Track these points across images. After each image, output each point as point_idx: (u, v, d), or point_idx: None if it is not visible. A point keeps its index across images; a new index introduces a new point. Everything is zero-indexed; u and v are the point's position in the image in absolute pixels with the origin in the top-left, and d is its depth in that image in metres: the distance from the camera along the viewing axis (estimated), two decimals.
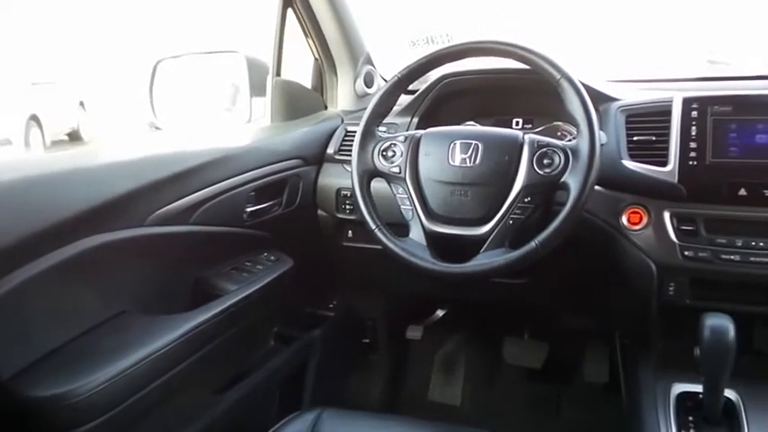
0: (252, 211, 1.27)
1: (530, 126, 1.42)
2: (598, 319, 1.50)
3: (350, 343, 1.75)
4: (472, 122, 1.44)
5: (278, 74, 1.43)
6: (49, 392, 0.83)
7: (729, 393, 1.01)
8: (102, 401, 0.87)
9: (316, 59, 1.54)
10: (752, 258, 1.03)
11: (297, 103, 1.49)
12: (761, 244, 1.03)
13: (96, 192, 0.94)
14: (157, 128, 1.54)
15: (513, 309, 1.65)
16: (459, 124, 1.41)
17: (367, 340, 1.78)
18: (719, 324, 0.91)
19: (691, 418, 1.01)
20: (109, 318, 0.99)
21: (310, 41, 1.48)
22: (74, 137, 8.30)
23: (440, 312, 1.72)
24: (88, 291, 0.96)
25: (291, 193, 1.37)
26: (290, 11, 1.41)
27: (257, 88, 1.46)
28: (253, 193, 1.26)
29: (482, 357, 1.84)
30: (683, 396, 1.05)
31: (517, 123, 1.43)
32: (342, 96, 1.57)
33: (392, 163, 1.12)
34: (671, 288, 1.11)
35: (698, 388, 1.01)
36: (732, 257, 1.04)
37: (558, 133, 1.36)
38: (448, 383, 1.81)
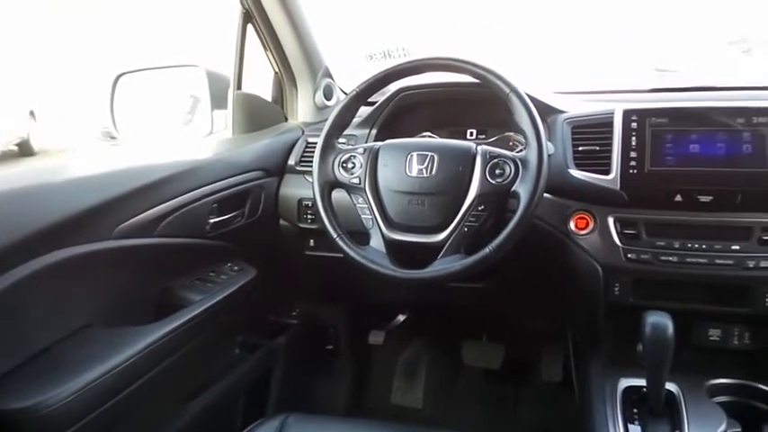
0: (215, 223, 1.29)
1: (483, 136, 1.48)
2: (552, 321, 1.56)
3: (313, 350, 1.78)
4: (429, 133, 1.49)
5: (239, 87, 1.46)
6: (19, 405, 0.84)
7: (670, 386, 1.08)
8: (70, 413, 0.88)
9: (276, 73, 1.57)
10: (688, 259, 1.11)
11: (258, 115, 1.52)
12: (695, 246, 1.10)
13: (62, 206, 0.96)
14: (113, 137, 1.54)
15: (471, 312, 1.71)
16: (416, 135, 1.47)
17: (330, 347, 1.81)
18: (659, 321, 0.98)
19: (636, 411, 1.08)
20: (76, 330, 1.00)
21: (270, 55, 1.51)
22: (24, 148, 8.04)
23: (401, 318, 1.76)
24: (55, 304, 0.97)
25: (254, 204, 1.39)
26: (250, 26, 1.44)
27: (218, 101, 1.48)
28: (215, 205, 1.28)
29: (442, 360, 1.89)
30: (628, 390, 1.12)
31: (471, 134, 1.49)
32: (302, 108, 1.60)
33: (352, 174, 1.16)
34: (616, 288, 1.18)
35: (642, 382, 1.07)
36: (670, 258, 1.12)
37: (510, 143, 1.43)
38: (410, 387, 1.86)
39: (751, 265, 1.07)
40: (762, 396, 1.10)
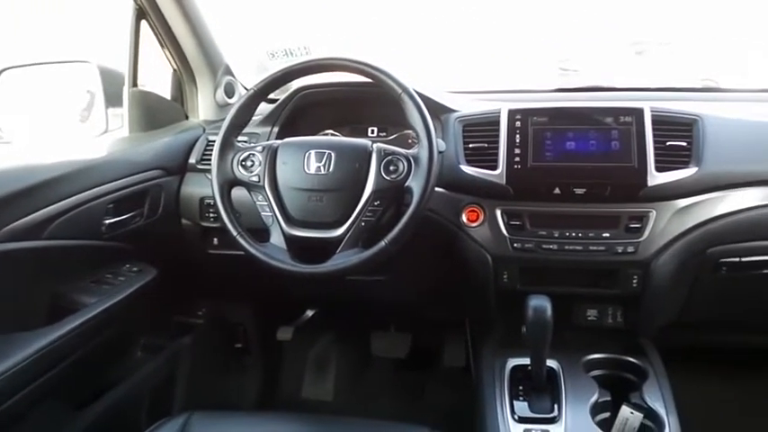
0: (111, 224, 1.27)
1: (384, 134, 1.53)
2: (452, 309, 1.64)
3: (222, 348, 1.77)
4: (331, 131, 1.53)
5: (134, 84, 1.42)
6: None
7: (552, 363, 1.18)
8: None
9: (174, 70, 1.54)
10: (566, 247, 1.21)
11: (156, 113, 1.49)
12: (573, 234, 1.21)
13: None
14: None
15: (378, 305, 1.76)
16: (318, 133, 1.50)
17: (239, 345, 1.81)
18: (539, 304, 1.07)
19: (521, 388, 1.17)
20: None
21: (167, 52, 1.49)
22: None
23: (309, 313, 1.79)
24: None
25: (153, 204, 1.37)
26: (144, 22, 1.41)
27: (114, 99, 1.45)
28: (111, 205, 1.26)
29: (352, 353, 1.94)
30: (515, 369, 1.21)
31: (372, 132, 1.54)
32: (203, 106, 1.59)
33: (251, 172, 1.18)
34: (504, 276, 1.26)
35: (528, 361, 1.16)
36: (551, 247, 1.21)
37: (410, 141, 1.49)
38: (321, 380, 1.89)
39: (620, 251, 1.19)
40: (630, 368, 1.22)
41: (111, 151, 1.33)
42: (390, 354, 1.89)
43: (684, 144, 1.20)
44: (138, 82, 1.45)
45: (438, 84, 1.60)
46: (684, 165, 1.18)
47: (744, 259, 1.23)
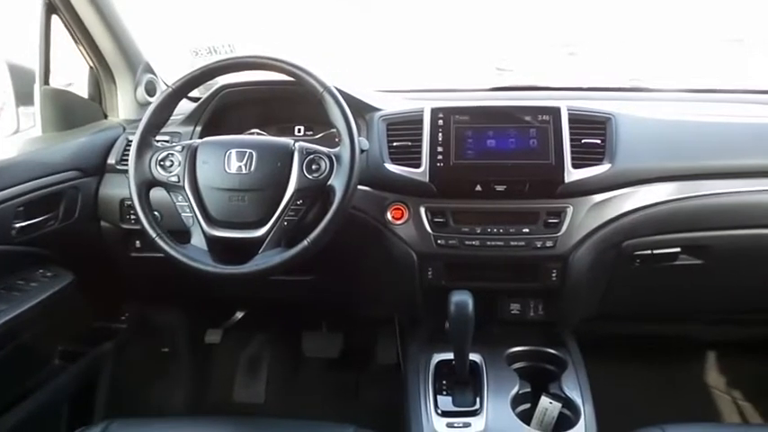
0: (22, 227, 1.21)
1: (311, 133, 1.52)
2: (381, 307, 1.65)
3: (148, 353, 1.72)
4: (257, 130, 1.51)
5: (46, 82, 1.36)
6: None
7: (475, 357, 1.21)
8: None
9: (91, 68, 1.49)
10: (488, 243, 1.24)
11: (71, 112, 1.43)
12: (494, 230, 1.23)
13: None
14: None
15: (308, 305, 1.75)
16: (243, 133, 1.48)
17: (166, 349, 1.76)
18: (461, 299, 1.09)
19: (444, 382, 1.19)
20: None
21: (82, 49, 1.43)
22: None
23: (239, 315, 1.76)
24: None
25: (69, 206, 1.32)
26: (55, 17, 1.35)
27: (26, 97, 1.38)
28: (22, 208, 1.20)
29: (283, 354, 1.92)
30: (440, 364, 1.23)
31: (299, 131, 1.53)
32: (123, 105, 1.53)
33: (170, 172, 1.15)
34: (429, 272, 1.28)
35: (452, 356, 1.18)
36: (474, 243, 1.24)
37: (337, 139, 1.49)
38: (252, 383, 1.86)
39: (539, 245, 1.22)
40: (550, 359, 1.26)
41: (22, 152, 1.27)
42: (323, 353, 1.89)
43: (599, 141, 1.24)
44: (63, 80, 1.40)
45: (375, 83, 1.61)
46: (599, 161, 1.22)
47: (656, 251, 1.29)
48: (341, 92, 1.16)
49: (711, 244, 1.29)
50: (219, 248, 1.13)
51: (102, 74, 1.49)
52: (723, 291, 1.43)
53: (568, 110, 1.25)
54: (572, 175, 1.20)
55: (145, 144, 1.17)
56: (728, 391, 1.75)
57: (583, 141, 1.23)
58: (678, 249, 1.29)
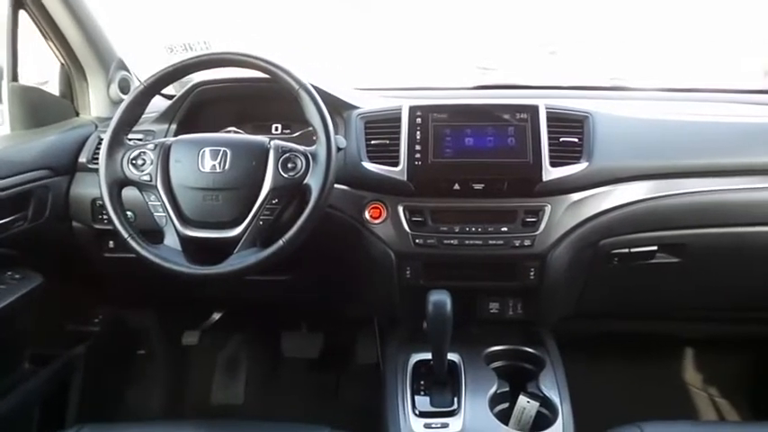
0: None
1: (288, 131, 1.50)
2: (360, 307, 1.64)
3: (122, 355, 1.69)
4: (233, 128, 1.48)
5: (14, 79, 1.33)
6: None
7: (454, 356, 1.20)
8: None
9: (62, 64, 1.45)
10: (467, 241, 1.23)
11: (41, 110, 1.40)
12: (473, 229, 1.23)
13: None
14: None
15: (286, 305, 1.73)
16: (219, 131, 1.45)
17: (142, 351, 1.73)
18: (439, 299, 1.08)
19: (423, 382, 1.18)
20: None
21: (52, 45, 1.40)
22: None
23: (216, 316, 1.74)
24: None
25: (39, 206, 1.29)
26: (23, 11, 1.31)
27: None
28: None
29: (262, 354, 1.90)
30: (418, 364, 1.22)
31: (276, 129, 1.50)
32: (95, 103, 1.50)
33: (142, 171, 1.12)
34: (408, 272, 1.27)
35: (429, 355, 1.17)
36: (452, 242, 1.23)
37: (314, 137, 1.47)
38: (230, 384, 1.84)
39: (517, 244, 1.22)
40: (528, 358, 1.26)
41: None
42: (302, 354, 1.87)
43: (576, 140, 1.24)
44: (39, 78, 1.36)
45: (356, 81, 1.59)
46: (576, 160, 1.22)
47: (632, 250, 1.29)
48: (317, 89, 1.14)
49: (688, 242, 1.29)
50: (193, 248, 1.11)
51: (73, 70, 1.46)
52: (700, 289, 1.44)
53: (546, 108, 1.25)
54: (550, 173, 1.20)
55: (116, 142, 1.14)
56: (705, 388, 1.77)
57: (561, 140, 1.23)
58: (655, 248, 1.29)
